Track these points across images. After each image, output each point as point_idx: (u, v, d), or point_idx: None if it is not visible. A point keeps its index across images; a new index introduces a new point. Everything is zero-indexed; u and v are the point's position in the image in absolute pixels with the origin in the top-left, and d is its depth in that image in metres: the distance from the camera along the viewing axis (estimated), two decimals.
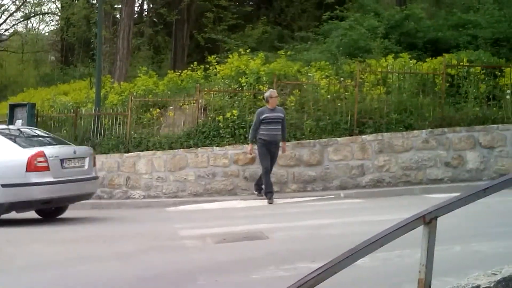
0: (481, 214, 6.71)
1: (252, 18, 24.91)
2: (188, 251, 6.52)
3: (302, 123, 12.29)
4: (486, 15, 18.82)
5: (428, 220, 3.20)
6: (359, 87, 12.61)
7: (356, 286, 4.39)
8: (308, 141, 11.95)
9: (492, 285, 3.37)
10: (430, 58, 14.71)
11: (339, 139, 11.83)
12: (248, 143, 11.42)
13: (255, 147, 10.96)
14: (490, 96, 12.36)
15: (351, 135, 11.97)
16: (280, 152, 11.14)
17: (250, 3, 27.13)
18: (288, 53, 16.44)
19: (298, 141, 11.98)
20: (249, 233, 7.26)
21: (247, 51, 15.37)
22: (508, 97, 11.91)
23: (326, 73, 13.67)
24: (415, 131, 11.63)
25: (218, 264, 5.69)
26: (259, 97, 13.27)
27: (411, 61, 13.86)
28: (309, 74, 13.70)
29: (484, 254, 5.22)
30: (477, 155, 11.31)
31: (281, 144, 11.01)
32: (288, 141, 12.09)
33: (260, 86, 13.19)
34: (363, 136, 11.80)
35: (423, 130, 11.59)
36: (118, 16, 21.45)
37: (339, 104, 12.53)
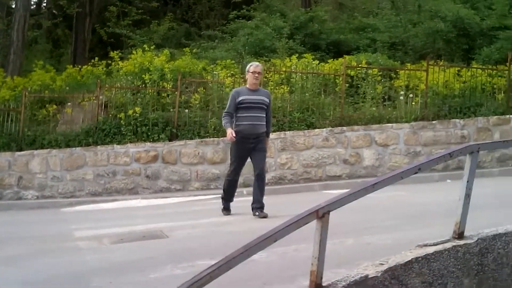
0: (372, 208, 6.96)
1: (159, 14, 24.53)
2: (82, 252, 6.28)
3: (206, 121, 12.26)
4: (384, 20, 19.66)
5: (321, 214, 3.29)
6: (264, 86, 12.70)
7: (253, 281, 4.40)
8: (212, 139, 11.94)
9: (379, 274, 3.50)
10: (332, 59, 15.13)
11: None
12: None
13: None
14: (386, 97, 12.90)
15: None
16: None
17: None
18: (194, 50, 16.36)
19: (202, 139, 11.95)
20: (148, 233, 7.13)
21: (152, 47, 15.14)
22: (401, 97, 12.45)
23: (232, 72, 13.73)
24: (317, 130, 11.88)
25: (114, 265, 5.51)
26: (162, 95, 13.12)
27: (314, 62, 14.17)
28: (214, 72, 13.68)
29: (374, 246, 5.38)
30: (373, 153, 11.70)
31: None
32: (191, 139, 12.06)
33: (164, 84, 13.05)
34: None
35: (324, 129, 11.85)
36: (13, 6, 20.39)
37: None
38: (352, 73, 13.36)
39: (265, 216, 7.64)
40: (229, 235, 6.68)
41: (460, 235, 3.94)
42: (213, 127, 12.11)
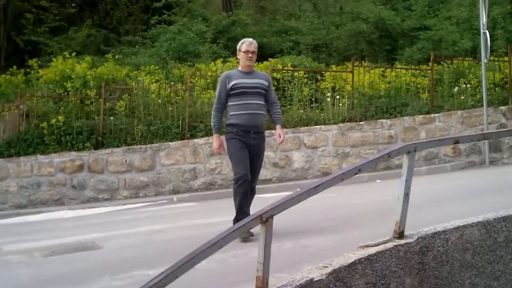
0: (307, 210, 6.98)
1: (76, 20, 23.87)
2: (13, 267, 6.03)
3: (132, 128, 12.06)
4: (307, 22, 19.91)
5: (265, 219, 3.27)
6: (189, 91, 12.63)
7: None
8: (139, 146, 11.74)
9: (324, 277, 3.50)
10: (257, 62, 15.15)
11: (171, 143, 11.77)
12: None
13: (224, 139, 6.43)
14: (313, 99, 13.03)
15: (183, 139, 11.95)
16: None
17: (73, 4, 25.93)
18: (116, 57, 16.03)
19: (129, 147, 11.74)
20: (80, 244, 6.94)
21: (73, 54, 14.72)
22: (328, 99, 12.60)
23: (156, 78, 13.58)
24: None
25: (47, 279, 5.33)
26: (86, 102, 12.79)
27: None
28: (138, 79, 13.47)
29: (313, 248, 5.40)
30: (302, 155, 11.82)
31: (276, 129, 6.44)
32: (118, 146, 11.81)
33: (87, 91, 12.74)
34: (195, 140, 11.84)
35: None
36: None
37: (170, 108, 12.47)
38: (278, 76, 13.45)
39: (246, 240, 5.73)
40: (163, 243, 6.57)
41: (400, 234, 3.98)
42: (139, 134, 11.93)
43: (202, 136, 11.92)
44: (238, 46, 6.39)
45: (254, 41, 6.40)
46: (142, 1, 24.18)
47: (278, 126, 6.41)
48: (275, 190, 10.55)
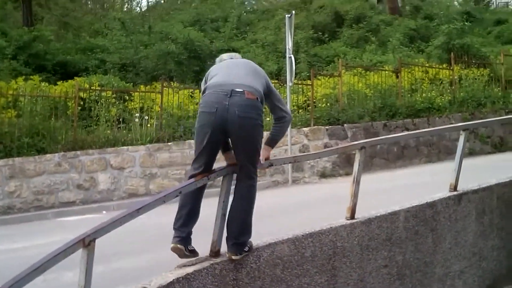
0: (118, 232, 6.87)
1: None
2: None
3: None
4: (114, 40, 19.63)
5: (87, 242, 3.29)
6: None
7: None
8: None
9: None
10: (61, 81, 14.65)
11: None
12: None
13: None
14: (120, 119, 12.84)
15: None
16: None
17: None
18: None
19: None
20: None
21: None
22: (137, 120, 12.52)
23: None
24: (48, 155, 11.32)
25: None
26: None
27: (42, 84, 13.56)
28: None
29: (126, 270, 5.38)
30: (108, 177, 11.53)
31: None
32: None
33: None
34: None
35: (56, 154, 11.35)
36: None
37: None
38: (85, 95, 13.06)
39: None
40: None
41: (216, 253, 4.17)
42: None
43: (1, 158, 11.12)
44: None
45: None
46: None
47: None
48: (79, 213, 10.28)
